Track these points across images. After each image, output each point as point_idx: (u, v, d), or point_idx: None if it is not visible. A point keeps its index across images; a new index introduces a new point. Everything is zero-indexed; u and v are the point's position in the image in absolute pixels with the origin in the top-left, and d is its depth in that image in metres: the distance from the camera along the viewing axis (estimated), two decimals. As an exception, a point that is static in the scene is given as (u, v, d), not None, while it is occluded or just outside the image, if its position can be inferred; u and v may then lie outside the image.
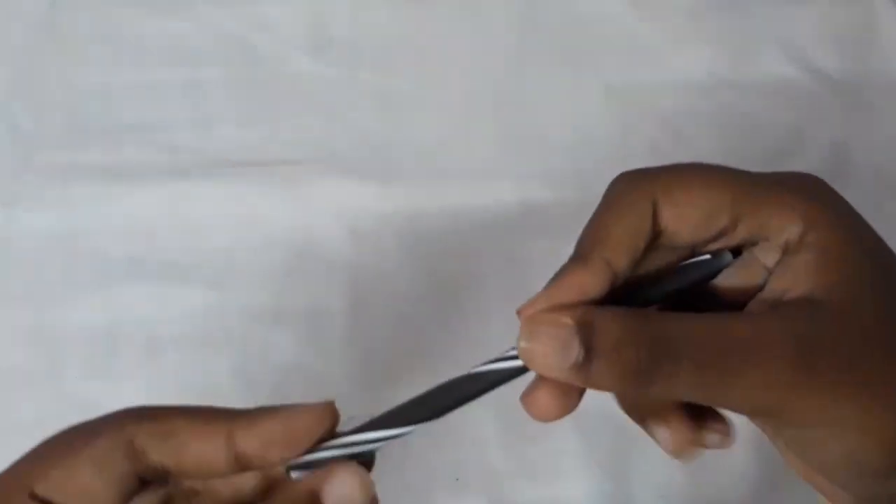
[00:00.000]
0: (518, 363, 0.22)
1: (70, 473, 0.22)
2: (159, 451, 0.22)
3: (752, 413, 0.22)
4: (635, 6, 0.50)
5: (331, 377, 0.42)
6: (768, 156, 0.46)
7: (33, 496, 0.22)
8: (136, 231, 0.44)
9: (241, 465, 0.23)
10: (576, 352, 0.20)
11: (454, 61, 0.49)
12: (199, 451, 0.22)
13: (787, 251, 0.23)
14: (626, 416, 0.25)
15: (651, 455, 0.38)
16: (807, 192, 0.23)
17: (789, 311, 0.22)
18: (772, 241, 0.23)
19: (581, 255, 0.23)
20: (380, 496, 0.26)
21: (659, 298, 0.23)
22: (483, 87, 0.48)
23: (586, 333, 0.20)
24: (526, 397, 0.22)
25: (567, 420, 0.23)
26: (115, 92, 0.48)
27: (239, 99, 0.48)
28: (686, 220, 0.23)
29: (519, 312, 0.22)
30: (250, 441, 0.22)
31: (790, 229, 0.23)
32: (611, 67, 0.48)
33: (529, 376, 0.22)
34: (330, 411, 0.23)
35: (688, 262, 0.24)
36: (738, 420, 0.24)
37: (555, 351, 0.21)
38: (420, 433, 0.24)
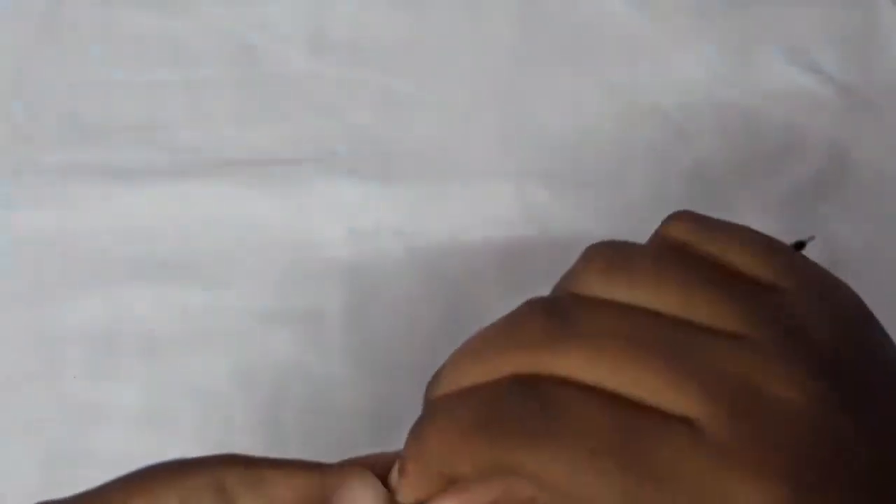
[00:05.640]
0: None
1: None
2: (250, 499, 0.23)
3: None
4: (636, 6, 0.50)
5: (331, 377, 0.42)
6: (768, 156, 0.46)
7: None
8: (136, 231, 0.44)
9: None
10: None
11: (455, 61, 0.49)
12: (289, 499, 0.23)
13: None
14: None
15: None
16: None
17: None
18: None
19: None
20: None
21: None
22: (483, 87, 0.48)
23: None
24: None
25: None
26: (115, 92, 0.48)
27: (239, 99, 0.48)
28: None
29: None
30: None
31: None
32: (611, 67, 0.48)
33: None
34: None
35: None
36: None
37: None
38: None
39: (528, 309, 0.22)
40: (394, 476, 0.23)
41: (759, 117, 0.47)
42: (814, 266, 0.22)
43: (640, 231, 0.44)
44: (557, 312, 0.21)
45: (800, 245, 0.24)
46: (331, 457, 0.39)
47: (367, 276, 0.43)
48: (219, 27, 0.49)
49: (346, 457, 0.40)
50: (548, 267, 0.45)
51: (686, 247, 0.22)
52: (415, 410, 0.41)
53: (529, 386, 0.20)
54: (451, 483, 0.22)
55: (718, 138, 0.46)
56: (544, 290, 0.43)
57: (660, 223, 0.24)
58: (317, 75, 0.48)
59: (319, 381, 0.41)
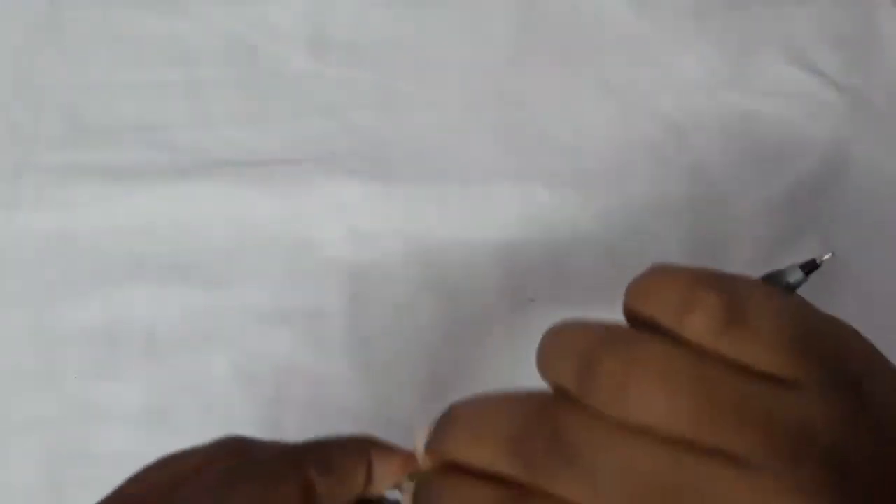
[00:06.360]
0: None
1: None
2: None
3: None
4: (636, 6, 0.50)
5: (331, 377, 0.42)
6: (768, 156, 0.46)
7: None
8: (136, 231, 0.44)
9: None
10: None
11: (454, 61, 0.49)
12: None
13: None
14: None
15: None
16: None
17: None
18: None
19: None
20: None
21: None
22: (483, 87, 0.48)
23: None
24: None
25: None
26: (115, 92, 0.48)
27: (239, 99, 0.48)
28: None
29: None
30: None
31: None
32: (611, 67, 0.48)
33: None
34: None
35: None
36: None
37: None
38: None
39: (536, 425, 0.21)
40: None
41: (758, 118, 0.47)
42: (826, 334, 0.22)
43: (641, 231, 0.44)
44: (561, 441, 0.21)
45: (812, 266, 0.23)
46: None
47: (367, 276, 0.43)
48: (219, 27, 0.49)
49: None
50: (548, 267, 0.45)
51: (705, 349, 0.21)
52: (414, 410, 0.41)
53: None
54: None
55: (718, 139, 0.46)
56: (544, 290, 0.43)
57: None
58: (317, 75, 0.48)
59: (319, 381, 0.42)
